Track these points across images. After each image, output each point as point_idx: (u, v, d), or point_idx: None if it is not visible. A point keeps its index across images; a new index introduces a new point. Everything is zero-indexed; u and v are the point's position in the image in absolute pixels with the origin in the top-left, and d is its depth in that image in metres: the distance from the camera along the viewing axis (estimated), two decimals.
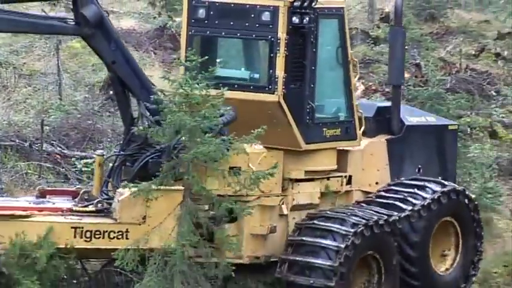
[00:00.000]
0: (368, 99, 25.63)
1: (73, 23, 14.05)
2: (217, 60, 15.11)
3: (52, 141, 19.28)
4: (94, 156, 15.64)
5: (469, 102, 25.30)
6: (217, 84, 14.15)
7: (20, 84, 24.56)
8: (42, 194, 14.36)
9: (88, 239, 13.53)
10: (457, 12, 34.11)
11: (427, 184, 15.49)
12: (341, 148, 15.16)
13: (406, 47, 29.14)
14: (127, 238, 13.66)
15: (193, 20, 14.75)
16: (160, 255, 12.08)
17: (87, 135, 20.69)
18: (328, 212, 14.65)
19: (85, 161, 20.04)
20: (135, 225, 13.69)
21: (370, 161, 15.57)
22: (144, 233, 13.58)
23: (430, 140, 16.54)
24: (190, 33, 14.78)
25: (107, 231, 13.62)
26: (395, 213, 14.78)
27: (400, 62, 15.99)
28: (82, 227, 13.54)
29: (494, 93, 26.83)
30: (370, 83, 29.66)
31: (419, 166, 16.22)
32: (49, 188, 13.80)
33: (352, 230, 14.13)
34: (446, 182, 15.81)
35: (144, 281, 11.85)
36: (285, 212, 14.64)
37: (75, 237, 13.50)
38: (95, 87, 24.83)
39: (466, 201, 15.73)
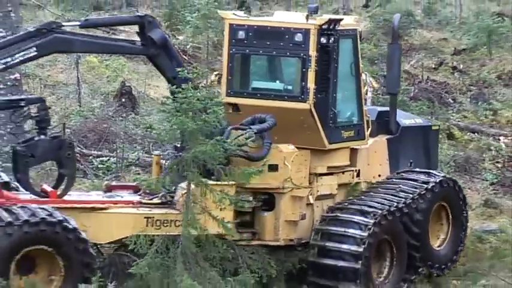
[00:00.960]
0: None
1: (140, 44, 14.18)
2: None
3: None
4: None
5: (429, 109, 25.34)
6: (255, 94, 14.66)
7: (45, 93, 24.50)
8: (109, 189, 14.29)
9: (158, 227, 13.52)
10: (420, 32, 34.12)
11: (425, 175, 15.78)
12: (352, 147, 15.35)
13: (376, 61, 29.29)
14: (189, 226, 13.69)
15: (234, 41, 14.77)
16: (163, 239, 12.00)
17: (103, 137, 20.67)
18: (348, 205, 14.85)
19: (101, 159, 20.05)
20: (196, 215, 13.69)
21: (374, 157, 15.70)
22: (204, 222, 13.61)
23: (419, 138, 16.67)
24: (231, 51, 14.80)
25: (173, 220, 13.62)
26: (403, 199, 14.93)
27: (396, 74, 16.11)
28: (153, 217, 13.56)
29: (451, 101, 26.84)
30: None
31: (411, 160, 16.36)
32: (114, 184, 13.90)
33: (372, 221, 14.33)
34: (440, 173, 16.22)
35: (147, 259, 11.77)
36: (311, 201, 14.72)
37: (147, 225, 13.50)
38: (109, 95, 24.81)
39: (457, 188, 15.97)
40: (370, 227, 14.27)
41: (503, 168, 22.06)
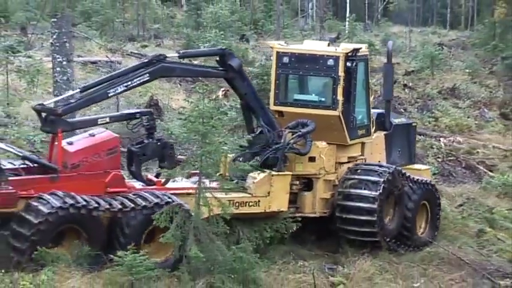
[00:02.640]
0: None
1: (221, 69, 14.45)
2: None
3: None
4: None
5: None
6: (296, 104, 15.14)
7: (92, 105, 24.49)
8: (189, 175, 14.21)
9: (237, 208, 13.71)
10: (378, 58, 34.11)
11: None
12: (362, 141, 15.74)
13: None
14: (258, 206, 14.07)
15: (280, 64, 15.18)
16: (181, 216, 11.99)
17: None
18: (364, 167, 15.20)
19: None
20: (264, 197, 14.08)
21: (375, 148, 15.99)
22: (269, 202, 14.09)
23: (404, 133, 16.91)
24: (278, 72, 15.21)
25: (248, 202, 13.94)
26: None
27: (390, 85, 16.42)
28: (234, 199, 13.73)
29: (402, 110, 26.77)
30: None
31: (399, 150, 16.63)
32: (193, 171, 13.92)
33: (381, 179, 14.72)
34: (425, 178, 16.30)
35: (170, 231, 11.75)
36: (337, 183, 15.08)
37: (229, 206, 13.52)
38: (141, 106, 24.76)
39: (435, 190, 16.23)
40: (380, 183, 14.64)
41: (442, 162, 22.12)
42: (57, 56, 15.68)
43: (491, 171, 21.65)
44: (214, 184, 13.92)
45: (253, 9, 49.87)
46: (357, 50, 15.04)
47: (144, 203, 12.31)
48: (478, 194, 19.29)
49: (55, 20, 15.80)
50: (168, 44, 39.35)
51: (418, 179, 15.76)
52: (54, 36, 15.68)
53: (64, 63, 15.66)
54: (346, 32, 47.61)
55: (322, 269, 13.48)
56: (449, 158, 22.39)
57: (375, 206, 14.50)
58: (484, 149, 23.94)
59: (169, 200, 12.47)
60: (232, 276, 11.96)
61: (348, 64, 14.84)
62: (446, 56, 37.92)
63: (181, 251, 11.94)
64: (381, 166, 15.17)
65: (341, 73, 14.75)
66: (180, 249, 11.91)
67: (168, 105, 25.71)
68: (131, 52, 34.59)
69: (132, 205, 12.27)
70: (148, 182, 13.55)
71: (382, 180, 14.66)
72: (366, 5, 63.74)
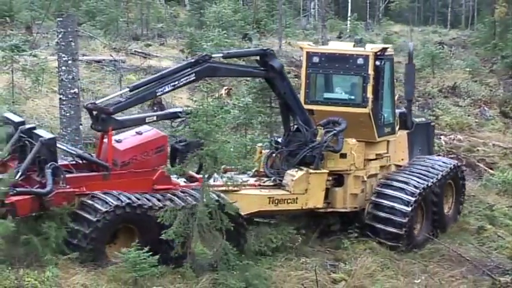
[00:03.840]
0: None
1: (262, 69, 14.57)
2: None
3: None
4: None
5: None
6: (327, 102, 15.30)
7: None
8: (225, 171, 14.37)
9: (276, 205, 13.99)
10: None
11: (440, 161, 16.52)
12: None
13: None
14: (296, 203, 14.30)
15: (310, 64, 15.35)
16: (184, 213, 12.00)
17: None
18: (394, 183, 15.25)
19: None
20: (301, 195, 14.31)
21: (399, 146, 16.15)
22: (306, 199, 14.34)
23: (424, 132, 17.20)
24: (308, 72, 15.37)
25: (286, 199, 14.15)
26: (431, 180, 15.44)
27: (412, 86, 16.54)
28: (273, 197, 14.04)
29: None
30: None
31: (420, 148, 16.90)
32: (227, 168, 14.28)
33: (413, 199, 14.89)
34: (449, 160, 17.01)
35: (173, 227, 11.75)
36: (366, 179, 15.27)
37: (269, 203, 13.99)
38: (145, 105, 24.76)
39: (461, 171, 16.72)
40: (411, 203, 14.86)
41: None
42: (63, 55, 15.67)
43: (491, 169, 21.62)
44: (252, 180, 14.44)
45: (256, 9, 49.83)
46: (385, 49, 15.25)
47: (194, 202, 12.33)
48: (478, 191, 19.27)
49: (61, 19, 15.79)
50: (171, 43, 39.35)
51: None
52: (60, 36, 15.67)
53: (69, 62, 15.65)
54: (348, 31, 47.62)
55: (324, 266, 13.48)
56: (450, 156, 22.37)
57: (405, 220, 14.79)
58: (484, 147, 23.93)
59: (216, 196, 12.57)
60: (235, 272, 11.96)
61: (377, 63, 15.01)
62: (447, 54, 37.89)
63: (184, 248, 11.93)
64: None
65: (370, 71, 14.92)
66: (183, 246, 11.91)
67: (172, 104, 25.71)
68: (135, 51, 34.60)
69: (183, 203, 12.30)
70: (190, 179, 13.68)
71: (413, 200, 14.90)
72: (367, 4, 63.72)
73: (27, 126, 12.66)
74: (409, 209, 14.70)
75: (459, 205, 16.64)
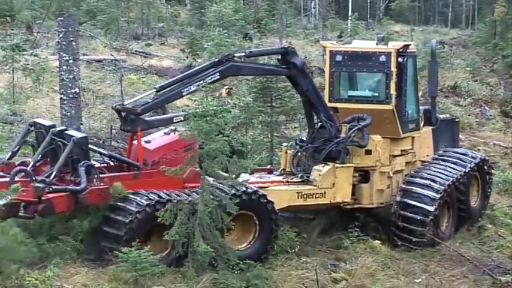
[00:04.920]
0: None
1: (284, 67, 14.67)
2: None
3: (117, 140, 19.23)
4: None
5: None
6: (351, 100, 15.43)
7: (97, 102, 24.54)
8: (252, 171, 14.90)
9: (304, 199, 14.16)
10: None
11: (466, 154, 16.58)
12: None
13: None
14: (324, 197, 14.47)
15: (333, 62, 15.42)
16: (185, 212, 11.99)
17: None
18: (419, 180, 15.28)
19: None
20: (329, 189, 14.47)
21: (424, 142, 16.24)
22: (334, 193, 14.52)
23: (449, 128, 17.31)
24: (331, 70, 15.43)
25: (314, 193, 14.33)
26: (456, 175, 15.54)
27: (435, 82, 16.59)
28: (302, 192, 14.22)
29: None
30: None
31: (445, 144, 16.96)
32: (256, 168, 14.74)
33: (438, 196, 14.97)
34: (476, 153, 17.09)
35: (175, 227, 11.75)
36: (391, 175, 15.38)
37: (298, 198, 14.14)
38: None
39: (487, 164, 16.78)
40: (436, 200, 14.90)
41: None
42: (64, 55, 15.67)
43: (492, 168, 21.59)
44: (280, 178, 14.65)
45: (256, 8, 49.85)
46: (407, 46, 15.33)
47: (233, 192, 12.54)
48: None
49: (62, 19, 15.79)
50: (172, 42, 39.38)
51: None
52: (61, 35, 15.67)
53: (70, 61, 15.65)
54: (349, 30, 47.59)
55: (324, 265, 13.46)
56: None
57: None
58: (485, 147, 23.93)
59: (253, 189, 12.85)
60: (236, 272, 11.96)
61: (400, 60, 15.08)
62: (448, 54, 37.87)
63: (184, 247, 11.93)
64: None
65: (393, 68, 15.00)
66: (183, 245, 11.90)
67: (172, 103, 25.69)
68: (136, 51, 34.62)
69: (223, 194, 12.45)
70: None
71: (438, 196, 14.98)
72: (368, 3, 63.75)
73: (58, 128, 12.88)
74: (433, 208, 14.81)
75: (485, 198, 16.76)
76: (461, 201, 15.85)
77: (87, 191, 11.74)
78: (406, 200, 14.96)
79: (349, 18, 53.70)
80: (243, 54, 14.48)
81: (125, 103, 13.26)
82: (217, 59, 14.01)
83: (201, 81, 13.46)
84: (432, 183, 15.09)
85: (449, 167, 15.73)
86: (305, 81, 14.72)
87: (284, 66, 14.65)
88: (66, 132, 12.63)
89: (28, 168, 12.27)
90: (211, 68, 13.73)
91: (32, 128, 13.19)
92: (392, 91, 15.04)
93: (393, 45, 15.28)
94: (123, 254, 11.42)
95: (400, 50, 15.09)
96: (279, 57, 14.78)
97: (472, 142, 24.18)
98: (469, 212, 16.06)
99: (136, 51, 34.45)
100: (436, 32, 53.99)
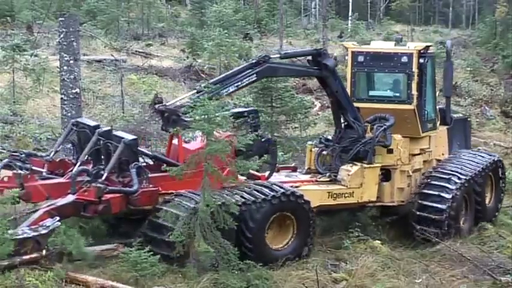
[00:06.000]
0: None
1: (316, 68, 14.82)
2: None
3: None
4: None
5: None
6: (372, 100, 15.64)
7: (97, 102, 24.56)
8: (278, 170, 15.09)
9: (334, 199, 14.44)
10: None
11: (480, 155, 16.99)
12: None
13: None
14: (352, 197, 14.72)
15: (355, 63, 15.63)
16: (188, 214, 12.00)
17: (141, 136, 20.65)
18: (436, 175, 15.62)
19: None
20: (357, 189, 14.72)
21: (439, 141, 16.52)
22: (361, 193, 14.78)
23: (462, 127, 17.66)
24: (353, 71, 15.66)
25: (343, 193, 14.59)
26: (473, 172, 15.89)
27: (450, 82, 16.80)
28: (332, 191, 14.50)
29: None
30: (324, 102, 29.67)
31: (458, 143, 17.29)
32: (281, 166, 14.95)
33: (454, 187, 15.32)
34: (489, 154, 17.45)
35: (178, 227, 11.77)
36: (411, 173, 15.65)
37: (328, 198, 14.42)
38: (145, 104, 24.82)
39: (501, 165, 17.06)
40: (454, 191, 15.27)
41: None
42: (65, 55, 15.68)
43: None
44: (307, 177, 14.92)
45: (257, 8, 49.89)
46: (428, 47, 15.58)
47: (272, 193, 12.87)
48: None
49: (63, 19, 15.80)
50: (172, 42, 39.38)
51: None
52: (62, 35, 15.68)
53: (71, 62, 15.66)
54: (349, 30, 47.63)
55: (325, 265, 13.47)
56: None
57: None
58: (486, 147, 23.94)
59: (291, 190, 13.13)
60: (236, 272, 11.96)
61: (421, 60, 15.33)
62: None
63: (185, 247, 11.93)
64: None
65: (415, 69, 15.25)
66: (185, 245, 11.90)
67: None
68: (136, 51, 34.62)
69: (263, 196, 12.80)
70: (253, 177, 14.01)
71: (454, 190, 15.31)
72: (368, 4, 63.75)
73: (104, 128, 13.02)
74: (450, 195, 15.14)
75: (499, 198, 16.99)
76: (477, 201, 16.13)
77: (138, 192, 11.93)
78: (424, 190, 15.35)
79: (350, 18, 53.76)
80: (278, 55, 14.73)
81: (167, 104, 13.47)
82: (254, 61, 14.26)
83: (239, 82, 13.80)
84: (450, 176, 15.44)
85: (466, 164, 16.06)
86: (335, 82, 14.94)
87: (316, 68, 14.84)
88: (114, 133, 12.83)
89: (90, 168, 12.43)
90: (249, 69, 14.01)
91: (75, 128, 13.30)
92: (414, 91, 15.31)
93: (414, 47, 15.52)
94: (123, 254, 11.42)
95: (422, 51, 15.35)
96: (310, 58, 14.99)
97: (472, 142, 24.12)
98: (484, 212, 16.33)
99: (136, 51, 34.46)
100: (436, 32, 54.06)
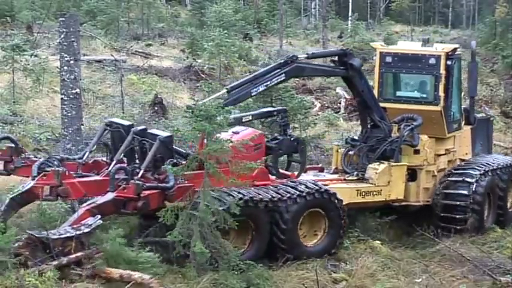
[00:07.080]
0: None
1: (342, 68, 15.00)
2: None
3: None
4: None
5: None
6: (399, 100, 15.88)
7: (97, 103, 24.58)
8: (306, 171, 15.34)
9: (363, 197, 14.68)
10: None
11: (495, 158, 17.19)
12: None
13: None
14: (380, 195, 14.97)
15: (383, 63, 15.83)
16: (186, 214, 11.98)
17: None
18: (459, 170, 16.02)
19: None
20: (385, 187, 14.95)
21: (463, 141, 16.73)
22: (389, 191, 15.01)
23: (484, 127, 17.87)
24: (381, 71, 15.87)
25: (372, 191, 14.83)
26: (496, 165, 16.23)
27: (475, 83, 16.89)
28: (361, 189, 14.74)
29: None
30: (324, 102, 29.70)
31: (481, 142, 17.53)
32: (309, 166, 15.22)
33: (474, 180, 15.62)
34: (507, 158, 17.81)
35: (177, 228, 11.77)
36: (436, 173, 15.89)
37: (357, 196, 14.66)
38: (145, 105, 24.84)
39: None
40: (477, 179, 15.65)
41: None
42: (65, 55, 15.67)
43: None
44: (336, 176, 15.21)
45: (257, 9, 49.91)
46: (455, 49, 15.76)
47: (307, 190, 13.16)
48: None
49: (63, 19, 15.79)
50: (172, 42, 39.41)
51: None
52: (62, 36, 15.66)
53: (71, 62, 15.64)
54: (349, 31, 47.64)
55: (324, 266, 13.46)
56: None
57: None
58: None
59: (324, 187, 13.43)
60: (236, 272, 11.96)
61: (448, 62, 15.49)
62: None
63: (185, 248, 11.93)
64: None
65: (442, 71, 15.45)
66: (184, 246, 11.91)
67: (172, 104, 25.74)
68: (136, 51, 34.64)
69: (298, 192, 13.07)
70: (282, 176, 14.17)
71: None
72: (368, 4, 63.79)
73: (139, 127, 13.15)
74: (474, 179, 15.46)
75: None
76: (499, 206, 16.32)
77: (174, 188, 12.06)
78: (445, 191, 15.59)
79: (350, 18, 53.78)
80: (305, 55, 14.87)
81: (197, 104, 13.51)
82: (282, 61, 14.43)
83: (268, 82, 14.01)
84: (474, 166, 15.86)
85: (490, 160, 16.42)
86: (361, 81, 15.09)
87: (342, 68, 14.99)
88: (149, 131, 13.01)
89: (127, 166, 12.55)
90: (277, 69, 14.17)
91: (109, 128, 13.41)
92: (441, 93, 15.49)
93: (442, 48, 15.68)
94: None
95: (449, 53, 15.50)
96: (335, 58, 15.15)
97: None
98: (506, 215, 16.51)
99: (136, 51, 34.49)
100: (436, 32, 54.09)
